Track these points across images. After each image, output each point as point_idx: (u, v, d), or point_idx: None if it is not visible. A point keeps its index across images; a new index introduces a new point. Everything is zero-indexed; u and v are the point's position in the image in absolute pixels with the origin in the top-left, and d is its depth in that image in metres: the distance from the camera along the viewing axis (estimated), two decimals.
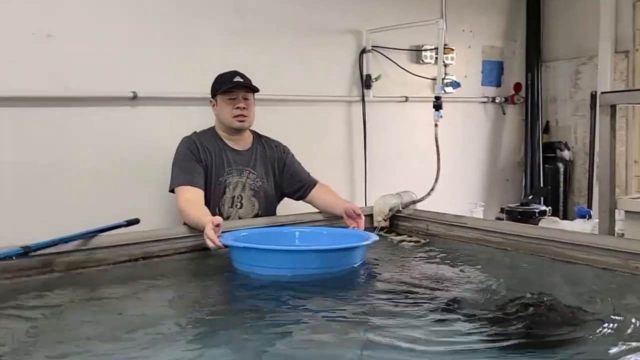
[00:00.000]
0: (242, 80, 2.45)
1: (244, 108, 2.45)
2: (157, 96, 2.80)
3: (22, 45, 2.45)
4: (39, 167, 2.54)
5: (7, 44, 2.42)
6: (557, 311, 1.52)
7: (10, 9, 2.42)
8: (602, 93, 2.36)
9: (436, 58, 3.81)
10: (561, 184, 4.35)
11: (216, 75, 2.52)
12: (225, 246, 1.90)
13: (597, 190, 3.96)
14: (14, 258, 1.64)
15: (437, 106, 2.98)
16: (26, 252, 1.65)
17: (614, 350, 1.24)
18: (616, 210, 2.18)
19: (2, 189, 2.46)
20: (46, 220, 2.48)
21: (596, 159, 4.01)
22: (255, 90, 2.49)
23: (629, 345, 1.26)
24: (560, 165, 4.35)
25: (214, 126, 2.55)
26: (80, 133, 2.63)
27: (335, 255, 1.89)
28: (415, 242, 2.38)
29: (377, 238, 2.00)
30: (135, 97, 2.71)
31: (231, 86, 2.43)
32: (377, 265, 2.04)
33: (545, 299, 1.60)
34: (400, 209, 2.62)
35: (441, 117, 2.98)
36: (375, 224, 2.58)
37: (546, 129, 4.51)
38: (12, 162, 2.48)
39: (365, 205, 3.18)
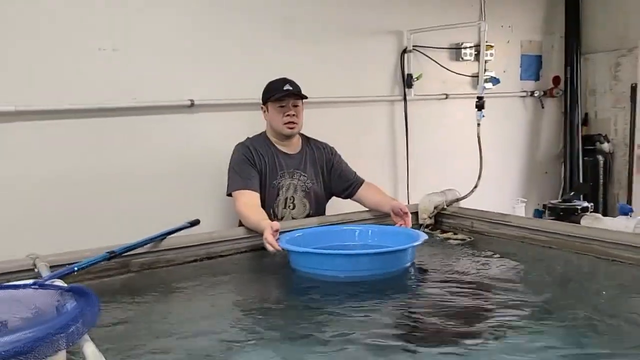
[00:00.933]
0: (291, 88, 2.55)
1: (293, 115, 2.56)
2: (211, 103, 2.95)
3: (89, 59, 2.62)
4: (108, 175, 2.72)
5: (75, 59, 2.59)
6: None
7: (77, 25, 2.59)
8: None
9: (476, 55, 3.87)
10: (601, 177, 4.35)
11: (266, 81, 2.63)
12: (284, 250, 2.03)
13: (637, 182, 4.00)
14: (102, 263, 1.82)
15: (480, 106, 3.05)
16: (111, 256, 1.82)
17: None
18: None
19: (77, 196, 2.65)
20: (116, 226, 2.67)
21: (637, 151, 4.02)
22: (303, 97, 2.60)
23: None
24: (600, 158, 4.36)
25: (265, 131, 2.68)
26: (144, 141, 2.80)
27: (388, 257, 1.97)
28: (460, 239, 2.48)
29: (426, 237, 2.07)
30: (192, 104, 2.86)
31: (282, 95, 2.54)
32: (425, 264, 2.14)
33: None
34: (445, 206, 2.71)
35: (483, 116, 3.05)
36: (421, 222, 2.68)
37: (585, 122, 4.51)
38: (85, 171, 2.67)
39: (408, 203, 3.28)
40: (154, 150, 2.82)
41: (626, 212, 2.81)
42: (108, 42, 2.64)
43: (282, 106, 2.55)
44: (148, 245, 2.08)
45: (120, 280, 1.98)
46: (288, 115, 2.55)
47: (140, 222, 2.60)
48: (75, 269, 1.66)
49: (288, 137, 2.62)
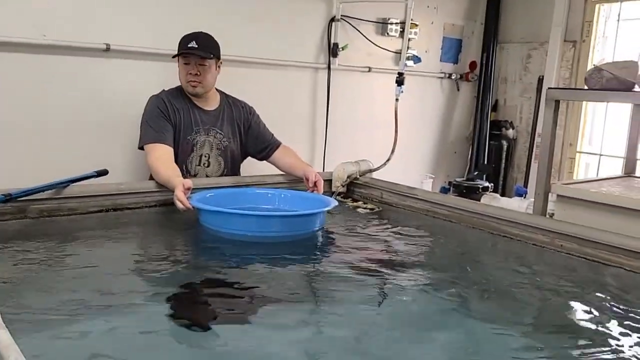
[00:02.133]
0: (197, 46, 2.47)
1: (196, 74, 2.49)
2: (129, 50, 2.81)
3: None
4: (11, 114, 2.54)
5: None
6: None
7: None
8: (548, 88, 2.59)
9: (401, 32, 3.95)
10: (503, 160, 4.66)
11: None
12: (194, 208, 1.99)
13: (534, 168, 4.32)
14: None
15: (400, 82, 3.13)
16: (7, 199, 1.72)
17: None
18: (550, 193, 2.45)
19: None
20: (17, 168, 2.52)
21: (537, 139, 4.33)
22: (208, 57, 2.49)
23: None
24: (504, 143, 4.65)
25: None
26: (53, 82, 2.63)
27: (297, 220, 2.02)
28: (370, 209, 2.58)
29: (336, 203, 2.14)
30: (108, 49, 2.71)
31: (184, 52, 2.47)
32: (333, 230, 2.21)
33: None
34: (358, 176, 2.79)
35: (402, 92, 3.14)
36: (334, 189, 2.75)
37: (495, 107, 4.78)
38: None
39: (324, 170, 3.35)
40: (64, 94, 2.66)
41: (521, 193, 3.06)
42: None
43: (186, 64, 2.49)
44: (50, 191, 1.98)
45: (16, 225, 1.88)
46: (190, 73, 2.49)
47: (44, 169, 2.48)
48: None
49: (192, 95, 2.56)
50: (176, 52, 2.52)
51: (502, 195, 4.24)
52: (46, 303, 1.36)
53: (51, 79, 2.62)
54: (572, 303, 1.62)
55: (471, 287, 1.66)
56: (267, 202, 2.28)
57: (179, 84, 2.61)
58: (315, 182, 2.41)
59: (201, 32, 2.54)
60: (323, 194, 2.42)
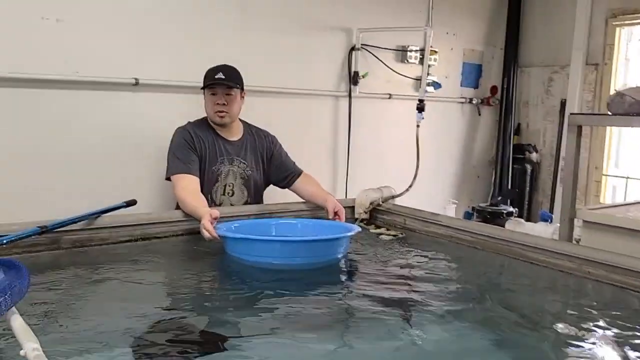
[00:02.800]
0: (224, 77, 2.54)
1: (224, 104, 2.56)
2: (157, 83, 2.91)
3: (32, 29, 2.53)
4: (44, 147, 2.64)
5: (18, 27, 2.50)
6: None
7: None
8: (570, 114, 2.59)
9: (420, 58, 4.00)
10: (527, 184, 4.62)
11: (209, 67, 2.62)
12: (221, 237, 2.02)
13: (560, 192, 4.28)
14: (32, 238, 1.77)
15: (420, 108, 3.17)
16: (43, 231, 1.78)
17: None
18: (575, 218, 2.43)
19: (8, 167, 2.56)
20: (49, 199, 2.60)
21: (561, 163, 4.30)
22: (234, 87, 2.57)
23: None
24: (528, 167, 4.62)
25: (207, 116, 2.68)
26: (85, 116, 2.73)
27: (320, 245, 2.04)
28: (393, 235, 2.58)
29: (359, 229, 2.15)
30: (137, 83, 2.81)
31: (211, 83, 2.54)
32: (357, 256, 2.21)
33: None
34: (381, 203, 2.80)
35: (423, 118, 3.17)
36: (357, 216, 2.77)
37: (517, 131, 4.77)
38: (18, 141, 2.58)
39: (346, 197, 3.37)
40: (94, 127, 2.76)
41: (546, 219, 3.03)
42: (52, 12, 2.56)
43: (213, 94, 2.56)
44: (82, 222, 2.04)
45: (50, 256, 1.94)
46: (218, 104, 2.56)
47: (75, 200, 2.56)
48: (4, 241, 1.62)
49: (219, 125, 2.62)
50: (202, 85, 2.60)
51: (528, 220, 4.20)
52: (78, 332, 1.39)
53: (82, 113, 2.72)
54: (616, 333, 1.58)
55: (500, 319, 1.63)
56: (291, 231, 2.31)
57: (204, 115, 2.67)
58: (336, 212, 2.43)
59: (225, 64, 2.62)
60: (346, 220, 2.44)
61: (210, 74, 2.57)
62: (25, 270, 1.16)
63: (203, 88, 2.59)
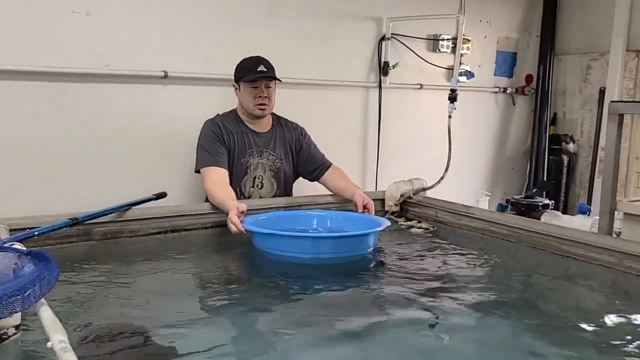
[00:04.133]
0: (265, 70, 2.52)
1: (265, 97, 2.54)
2: (186, 76, 2.91)
3: (63, 23, 2.55)
4: (74, 140, 2.68)
5: (49, 21, 2.53)
6: None
7: None
8: (611, 102, 2.48)
9: (452, 47, 3.91)
10: (564, 176, 4.48)
11: (241, 59, 2.60)
12: (247, 231, 2.01)
13: (598, 184, 4.13)
14: (64, 230, 1.80)
15: (452, 98, 3.09)
16: (74, 223, 1.80)
17: None
18: (616, 210, 2.33)
19: (42, 160, 2.60)
20: (81, 191, 2.64)
21: (600, 153, 4.15)
22: (277, 80, 2.57)
23: None
24: (565, 158, 4.48)
25: (236, 109, 2.66)
26: (114, 109, 2.75)
27: (349, 241, 2.00)
28: (424, 229, 2.53)
29: (388, 223, 2.10)
30: (166, 76, 2.82)
31: (255, 77, 2.51)
32: (387, 250, 2.17)
33: None
34: (411, 195, 2.75)
35: (455, 109, 3.10)
36: (387, 208, 2.73)
37: (553, 121, 4.63)
38: (50, 134, 2.61)
39: (376, 189, 3.33)
40: (124, 120, 2.78)
41: (584, 211, 2.92)
42: (83, 6, 2.58)
43: (254, 87, 2.53)
44: (112, 214, 2.06)
45: (82, 247, 1.97)
46: (260, 97, 2.54)
47: (105, 192, 2.59)
48: (36, 233, 1.64)
49: (259, 117, 2.61)
50: (237, 76, 2.58)
51: (564, 212, 4.07)
52: (111, 321, 1.41)
53: (113, 106, 2.75)
54: None
55: (536, 315, 1.58)
56: (319, 223, 2.29)
57: (233, 107, 2.67)
58: (365, 205, 2.39)
59: (259, 56, 2.58)
60: (376, 213, 2.40)
61: (249, 66, 2.54)
62: (54, 262, 1.17)
63: (238, 80, 2.56)
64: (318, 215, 2.34)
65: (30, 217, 1.89)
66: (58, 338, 0.94)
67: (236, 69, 2.60)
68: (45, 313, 1.04)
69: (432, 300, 1.66)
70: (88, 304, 1.50)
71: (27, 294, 1.04)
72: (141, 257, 1.96)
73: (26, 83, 2.52)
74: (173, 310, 1.51)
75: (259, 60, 2.55)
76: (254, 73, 2.52)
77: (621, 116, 2.25)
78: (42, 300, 1.10)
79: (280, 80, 2.60)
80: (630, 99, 4.01)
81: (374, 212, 2.39)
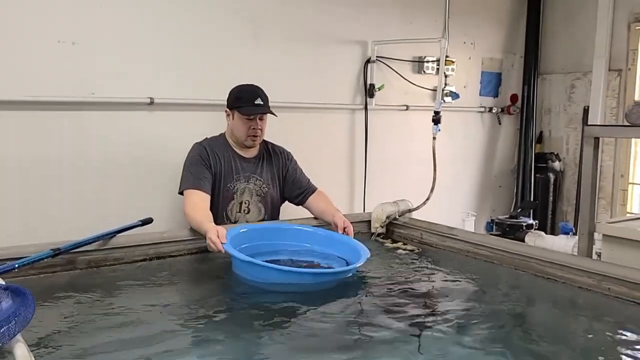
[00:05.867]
0: (262, 103, 2.54)
1: (259, 129, 2.57)
2: (172, 102, 2.94)
3: (48, 52, 2.58)
4: (61, 168, 2.69)
5: (35, 51, 2.56)
6: None
7: (37, 17, 2.55)
8: (586, 125, 2.53)
9: (437, 69, 3.96)
10: (551, 193, 4.52)
11: (229, 83, 2.61)
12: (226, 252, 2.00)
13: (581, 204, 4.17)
14: (47, 260, 1.80)
15: (436, 120, 3.14)
16: (56, 254, 1.81)
17: None
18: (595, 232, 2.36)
19: (29, 187, 2.61)
20: (65, 218, 2.65)
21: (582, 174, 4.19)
22: (273, 114, 2.58)
23: None
24: (551, 175, 4.52)
25: (225, 133, 2.68)
26: (101, 136, 2.78)
27: (325, 276, 2.02)
28: (410, 250, 2.55)
29: (368, 255, 2.10)
30: (152, 102, 2.85)
31: (252, 112, 2.52)
32: (371, 273, 2.18)
33: None
34: (397, 217, 2.77)
35: (439, 130, 3.14)
36: (373, 230, 2.74)
37: (539, 139, 4.67)
38: (37, 162, 2.63)
39: (364, 210, 3.34)
40: (111, 147, 2.80)
41: (567, 231, 2.95)
42: (68, 35, 2.61)
43: (249, 119, 2.54)
44: (97, 242, 2.07)
45: (65, 277, 1.97)
46: (253, 128, 2.56)
47: (92, 218, 2.61)
48: (16, 265, 1.64)
49: (249, 147, 2.64)
50: (229, 104, 2.58)
51: (552, 230, 4.10)
52: (92, 352, 1.41)
53: (99, 133, 2.77)
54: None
55: (515, 340, 1.60)
56: (299, 239, 2.30)
57: (219, 132, 2.69)
58: (344, 229, 2.41)
59: (255, 85, 2.60)
60: (363, 235, 2.42)
61: (246, 97, 2.54)
62: (31, 298, 1.18)
63: (232, 108, 2.56)
64: (299, 230, 2.35)
65: (12, 247, 1.89)
66: None
67: (232, 96, 2.59)
68: (19, 351, 1.05)
69: (415, 324, 1.67)
70: (67, 335, 1.50)
71: (1, 330, 1.05)
72: (125, 286, 1.95)
73: (12, 112, 2.54)
74: (156, 342, 1.50)
75: (257, 91, 2.56)
76: (251, 106, 2.53)
77: (597, 139, 2.29)
78: (18, 336, 1.10)
79: (276, 115, 2.60)
80: (614, 118, 4.07)
81: (352, 235, 2.40)
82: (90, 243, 2.00)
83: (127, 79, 2.80)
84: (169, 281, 2.06)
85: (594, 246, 2.39)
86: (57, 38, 2.59)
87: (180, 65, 2.97)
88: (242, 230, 2.18)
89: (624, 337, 1.62)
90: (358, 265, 2.03)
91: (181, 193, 2.52)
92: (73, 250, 1.97)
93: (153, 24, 2.87)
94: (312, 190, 2.74)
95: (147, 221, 2.35)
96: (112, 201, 2.80)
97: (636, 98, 4.01)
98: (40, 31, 2.56)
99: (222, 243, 2.03)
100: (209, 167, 2.54)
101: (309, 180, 2.78)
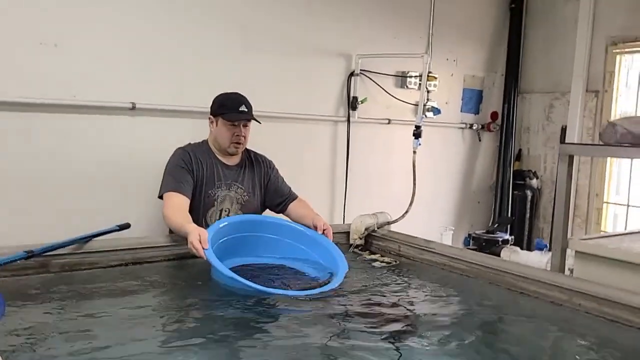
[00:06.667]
0: (247, 110, 2.56)
1: (242, 136, 2.58)
2: (154, 108, 2.94)
3: (30, 54, 2.57)
4: (41, 170, 2.67)
5: (17, 52, 2.54)
6: None
7: (19, 18, 2.54)
8: (561, 144, 2.59)
9: (420, 84, 4.02)
10: (528, 210, 4.59)
11: (213, 91, 2.62)
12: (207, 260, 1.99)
13: (554, 221, 4.24)
14: (20, 262, 1.78)
15: (417, 134, 3.18)
16: (29, 256, 1.79)
17: None
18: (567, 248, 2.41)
19: (5, 189, 2.58)
20: (43, 221, 2.62)
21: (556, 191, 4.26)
22: (257, 121, 2.60)
23: None
24: (529, 193, 4.59)
25: (207, 140, 2.68)
26: (81, 140, 2.76)
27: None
28: (387, 262, 2.56)
29: (346, 269, 2.15)
30: (133, 107, 2.84)
31: (237, 118, 2.53)
32: (349, 284, 2.19)
33: None
34: (376, 229, 2.79)
35: (420, 144, 3.18)
36: (351, 241, 2.76)
37: (518, 157, 4.76)
38: (16, 163, 2.61)
39: (344, 222, 3.36)
40: (91, 151, 2.79)
41: (541, 247, 3.00)
42: (50, 37, 2.60)
43: (233, 126, 2.56)
44: (72, 246, 2.05)
45: (38, 280, 1.93)
46: (237, 135, 2.57)
47: (69, 222, 2.58)
48: None
49: (231, 154, 2.64)
50: (213, 111, 2.59)
51: (528, 246, 4.16)
52: (62, 355, 1.39)
53: (80, 136, 2.75)
54: None
55: (487, 354, 1.62)
56: (280, 234, 2.33)
57: (203, 139, 2.69)
58: (324, 231, 2.43)
59: (240, 94, 2.61)
60: (343, 244, 2.44)
61: (230, 105, 2.55)
62: (1, 299, 1.16)
63: (216, 115, 2.57)
64: (281, 224, 2.39)
65: None
66: None
67: (216, 103, 2.60)
68: None
69: (392, 337, 1.68)
70: (36, 340, 1.47)
71: None
72: (99, 290, 1.93)
73: None
74: (128, 348, 1.48)
75: (241, 99, 2.58)
76: (235, 113, 2.54)
77: (571, 157, 2.35)
78: None
79: (260, 123, 2.62)
80: (590, 138, 4.16)
81: (332, 238, 2.43)
82: (65, 246, 1.98)
83: (109, 83, 2.79)
84: (145, 287, 2.03)
85: (566, 262, 2.44)
86: (40, 40, 2.58)
87: (163, 71, 2.97)
88: (221, 226, 2.17)
89: (590, 350, 1.65)
90: (335, 287, 2.04)
91: (161, 197, 2.50)
92: (47, 254, 1.95)
93: (137, 29, 2.87)
94: (293, 198, 2.75)
95: (125, 226, 2.33)
96: (90, 205, 2.78)
97: (611, 119, 4.11)
98: (22, 32, 2.54)
99: (204, 249, 2.00)
100: (191, 172, 2.54)
101: (290, 188, 2.79)
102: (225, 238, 2.16)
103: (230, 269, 2.00)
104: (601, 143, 2.41)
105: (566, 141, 4.05)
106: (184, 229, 2.13)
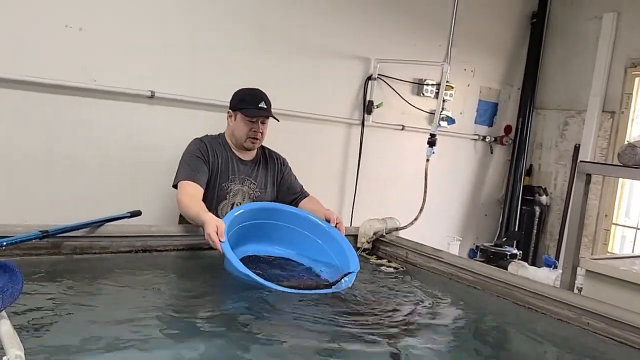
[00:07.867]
0: (266, 107, 2.57)
1: (260, 132, 2.59)
2: (173, 98, 2.95)
3: (55, 36, 2.58)
4: (55, 152, 2.68)
5: (42, 33, 2.56)
6: None
7: (49, 0, 2.55)
8: (580, 162, 2.57)
9: (436, 92, 4.02)
10: (535, 227, 4.58)
11: (232, 85, 2.63)
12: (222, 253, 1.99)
13: (567, 238, 4.23)
14: (33, 241, 1.79)
15: (432, 143, 3.17)
16: (44, 236, 1.79)
17: None
18: (579, 267, 2.40)
19: (19, 170, 2.60)
20: (56, 204, 2.63)
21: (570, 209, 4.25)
22: (276, 118, 2.61)
23: None
24: (537, 209, 4.58)
25: (224, 133, 2.69)
26: (99, 124, 2.78)
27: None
28: (394, 268, 2.56)
29: (358, 268, 2.15)
30: (152, 96, 2.85)
31: (256, 114, 2.55)
32: (355, 287, 2.19)
33: None
34: (384, 234, 2.78)
35: (433, 153, 3.17)
36: (359, 245, 2.75)
37: (529, 172, 4.74)
38: (30, 145, 2.62)
39: (351, 224, 3.36)
40: (108, 136, 2.80)
41: (550, 264, 2.99)
42: (76, 21, 2.61)
43: (251, 122, 2.56)
44: (84, 229, 2.05)
45: (49, 261, 1.94)
46: (254, 131, 2.58)
47: (81, 206, 2.58)
48: (4, 243, 1.63)
49: (247, 149, 2.65)
50: (232, 105, 2.60)
51: (533, 262, 4.15)
52: (70, 340, 1.39)
53: (97, 121, 2.77)
54: None
55: None
56: (297, 225, 2.32)
57: (219, 131, 2.69)
58: (336, 225, 2.43)
59: (260, 90, 2.62)
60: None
61: (250, 100, 2.57)
62: (19, 274, 1.17)
63: (235, 109, 2.58)
64: (296, 214, 2.37)
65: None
66: (14, 353, 0.94)
67: (236, 97, 2.61)
68: (4, 327, 1.04)
69: (394, 341, 1.68)
70: (45, 318, 1.48)
71: None
72: (107, 274, 1.93)
73: (10, 91, 2.52)
74: (130, 333, 1.48)
75: (261, 95, 2.59)
76: (255, 109, 2.55)
77: (589, 176, 2.34)
78: (3, 313, 1.10)
79: (278, 120, 2.62)
80: (603, 158, 4.15)
81: (344, 232, 2.42)
82: (78, 229, 1.98)
83: (130, 70, 2.81)
84: (153, 275, 2.04)
85: (575, 281, 2.43)
86: (65, 22, 2.59)
87: (183, 63, 2.98)
88: (237, 214, 2.16)
89: None
90: (345, 286, 2.04)
91: (175, 186, 2.51)
92: (60, 235, 1.95)
93: (161, 20, 2.89)
94: (304, 195, 2.77)
95: (136, 213, 2.33)
96: (102, 191, 2.79)
97: (626, 141, 4.10)
98: (50, 14, 2.56)
99: (220, 241, 1.99)
100: (207, 163, 2.54)
101: (302, 186, 2.81)
102: (240, 225, 2.16)
103: (242, 258, 1.99)
104: (619, 164, 2.40)
105: (580, 159, 4.04)
106: (201, 217, 2.12)
